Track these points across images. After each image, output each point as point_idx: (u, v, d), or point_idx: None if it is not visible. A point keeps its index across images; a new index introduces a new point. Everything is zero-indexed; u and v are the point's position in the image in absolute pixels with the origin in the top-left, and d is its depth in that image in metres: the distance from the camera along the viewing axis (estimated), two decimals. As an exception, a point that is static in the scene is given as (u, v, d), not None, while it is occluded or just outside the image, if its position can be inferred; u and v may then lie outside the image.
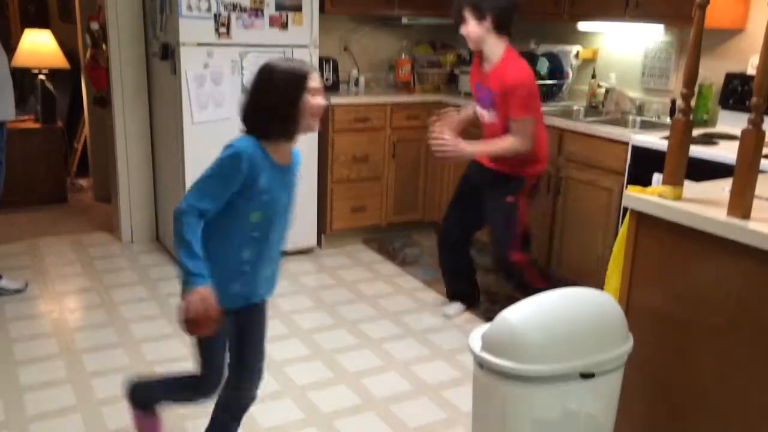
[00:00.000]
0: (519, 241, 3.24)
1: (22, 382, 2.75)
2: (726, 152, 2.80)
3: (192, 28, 3.64)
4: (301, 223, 4.23)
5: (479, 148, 3.15)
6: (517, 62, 3.05)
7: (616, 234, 3.32)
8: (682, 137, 1.91)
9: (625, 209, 2.04)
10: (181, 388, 2.14)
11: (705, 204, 1.88)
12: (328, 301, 3.64)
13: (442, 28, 5.01)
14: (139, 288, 3.71)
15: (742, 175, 1.75)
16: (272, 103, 1.85)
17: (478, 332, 1.95)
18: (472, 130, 3.38)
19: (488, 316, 3.48)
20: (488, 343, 1.85)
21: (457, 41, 5.18)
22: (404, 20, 4.72)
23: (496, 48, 3.05)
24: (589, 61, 4.21)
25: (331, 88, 4.39)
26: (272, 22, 3.84)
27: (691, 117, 1.91)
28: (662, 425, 1.99)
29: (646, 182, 2.92)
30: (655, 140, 3.12)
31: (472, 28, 3.03)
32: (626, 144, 3.27)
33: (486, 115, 3.19)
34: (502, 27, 3.01)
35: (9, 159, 3.49)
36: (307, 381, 2.85)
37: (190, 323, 1.80)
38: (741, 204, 1.75)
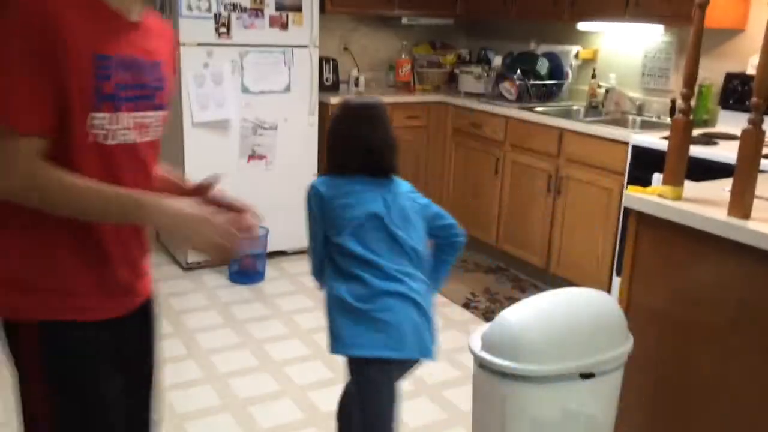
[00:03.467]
0: None
1: (22, 382, 2.75)
2: (726, 152, 2.80)
3: (192, 28, 3.64)
4: (301, 223, 4.23)
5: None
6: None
7: (616, 234, 3.35)
8: (682, 137, 1.91)
9: (626, 209, 2.04)
10: None
11: (705, 204, 1.88)
12: (328, 301, 3.63)
13: (442, 28, 5.01)
14: (139, 288, 3.70)
15: (742, 175, 1.75)
16: None
17: (478, 332, 1.95)
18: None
19: (488, 316, 3.48)
20: (488, 343, 1.85)
21: (457, 41, 5.18)
22: (404, 20, 4.73)
23: None
24: (589, 61, 4.21)
25: (331, 88, 4.39)
26: (272, 22, 3.84)
27: (691, 117, 1.91)
28: (662, 425, 1.99)
29: (646, 182, 2.92)
30: (655, 140, 3.12)
31: None
32: (626, 144, 3.27)
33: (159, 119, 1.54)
34: None
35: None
36: (307, 381, 2.85)
37: None
38: (741, 204, 1.75)
